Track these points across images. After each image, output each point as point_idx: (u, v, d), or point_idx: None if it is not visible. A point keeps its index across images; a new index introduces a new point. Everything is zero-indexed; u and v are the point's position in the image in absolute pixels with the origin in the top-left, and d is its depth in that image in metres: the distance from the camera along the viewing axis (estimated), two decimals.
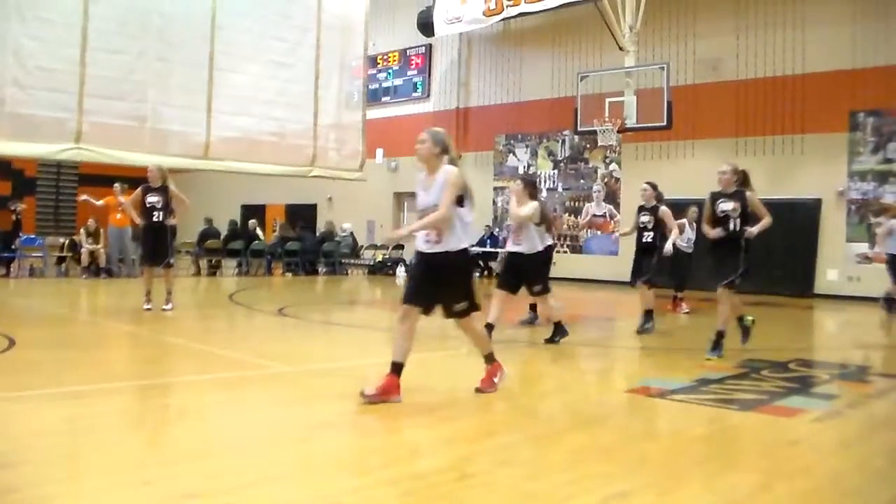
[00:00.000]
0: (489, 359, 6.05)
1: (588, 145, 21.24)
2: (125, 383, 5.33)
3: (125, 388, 5.33)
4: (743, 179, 8.08)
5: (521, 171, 22.86)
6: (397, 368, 5.56)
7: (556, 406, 6.00)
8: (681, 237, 12.76)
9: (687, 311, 13.16)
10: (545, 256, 9.21)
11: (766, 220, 8.02)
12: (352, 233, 23.25)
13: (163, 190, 10.89)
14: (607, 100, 17.44)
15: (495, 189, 23.40)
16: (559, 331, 9.12)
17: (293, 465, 4.12)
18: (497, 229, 22.89)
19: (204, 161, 15.49)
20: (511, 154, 23.23)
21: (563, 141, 22.07)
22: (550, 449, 4.56)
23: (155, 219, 10.79)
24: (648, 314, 10.38)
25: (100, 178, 20.72)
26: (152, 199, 10.82)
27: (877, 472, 4.42)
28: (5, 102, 12.90)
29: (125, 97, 14.07)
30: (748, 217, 7.97)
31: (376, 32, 22.77)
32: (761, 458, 4.49)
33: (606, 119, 17.20)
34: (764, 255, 17.61)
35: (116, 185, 15.90)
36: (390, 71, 26.40)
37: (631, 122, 17.05)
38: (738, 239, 7.93)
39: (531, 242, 8.82)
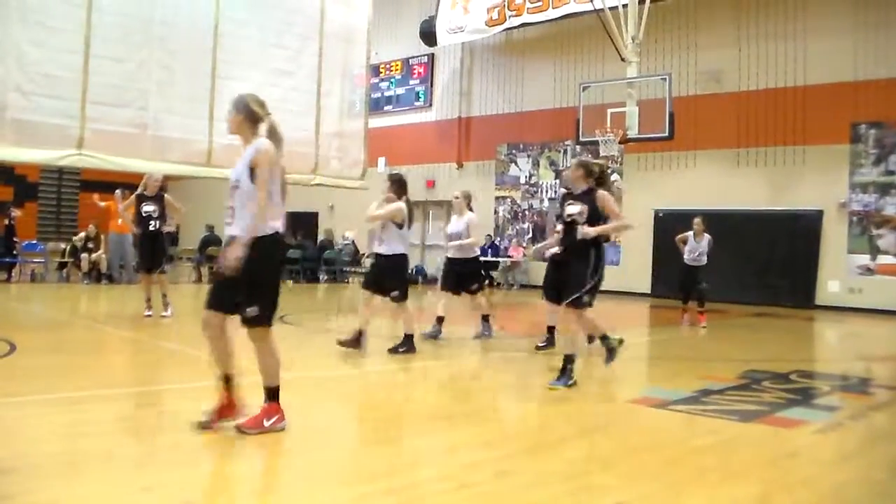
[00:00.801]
0: (271, 394, 4.90)
1: (590, 155, 21.20)
2: (124, 389, 5.32)
3: (124, 394, 5.32)
4: (599, 176, 7.06)
5: (522, 180, 22.88)
6: (271, 393, 4.86)
7: (555, 416, 5.98)
8: (688, 250, 12.64)
9: (703, 325, 12.53)
10: (403, 261, 8.58)
11: (618, 223, 7.09)
12: (353, 241, 23.26)
13: (158, 199, 11.00)
14: (609, 110, 17.45)
15: (497, 198, 23.40)
16: (406, 342, 8.40)
17: (292, 474, 4.11)
18: (498, 238, 22.88)
19: (206, 168, 15.46)
20: (513, 163, 23.25)
21: (565, 151, 22.08)
22: (550, 459, 4.55)
23: (151, 227, 10.93)
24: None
25: (101, 184, 20.68)
26: (148, 207, 10.94)
27: (878, 484, 4.40)
28: (8, 108, 12.90)
29: (127, 104, 14.07)
30: (601, 222, 6.88)
31: (379, 42, 22.79)
32: (762, 469, 4.47)
33: (608, 129, 17.20)
34: (765, 267, 17.72)
35: (118, 191, 15.91)
36: (393, 80, 26.45)
37: (633, 132, 17.06)
38: (586, 248, 6.84)
39: (390, 244, 8.35)
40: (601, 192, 6.91)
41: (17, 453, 4.20)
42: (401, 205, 8.32)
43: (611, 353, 7.58)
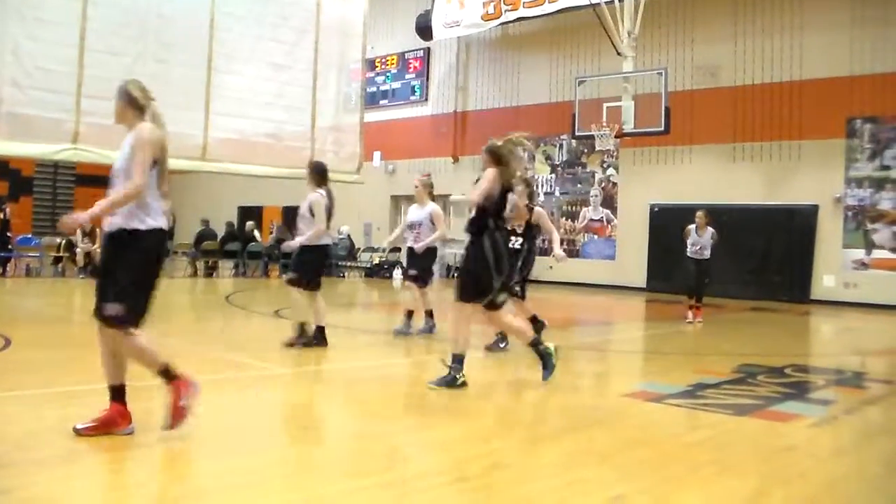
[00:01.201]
0: (166, 375, 4.46)
1: (586, 150, 21.26)
2: None
3: None
4: (504, 158, 6.61)
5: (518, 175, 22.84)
6: (117, 394, 4.46)
7: (551, 410, 5.99)
8: (690, 243, 12.33)
9: (698, 320, 12.34)
10: (316, 251, 8.27)
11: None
12: (349, 235, 23.25)
13: None
14: (605, 105, 17.46)
15: None
16: (306, 334, 8.10)
17: (288, 468, 4.11)
18: None
19: (201, 162, 15.43)
20: None
21: (561, 145, 22.08)
22: (545, 453, 4.55)
23: None
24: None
25: (97, 178, 20.62)
26: None
27: (873, 477, 4.42)
28: (3, 102, 12.85)
29: None
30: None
31: (375, 36, 22.75)
32: (757, 463, 4.48)
33: (604, 124, 17.21)
34: (761, 261, 17.76)
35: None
36: (388, 74, 26.41)
37: (629, 127, 17.06)
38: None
39: (305, 235, 8.14)
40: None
41: (15, 447, 4.20)
42: (315, 196, 8.19)
43: (543, 360, 6.64)
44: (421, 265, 9.47)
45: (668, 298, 17.31)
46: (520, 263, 7.97)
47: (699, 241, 12.28)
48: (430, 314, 9.52)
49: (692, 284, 12.46)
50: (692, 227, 12.37)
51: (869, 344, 11.66)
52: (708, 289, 13.05)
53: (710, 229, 12.30)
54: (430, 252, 9.52)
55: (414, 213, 9.60)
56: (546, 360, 6.57)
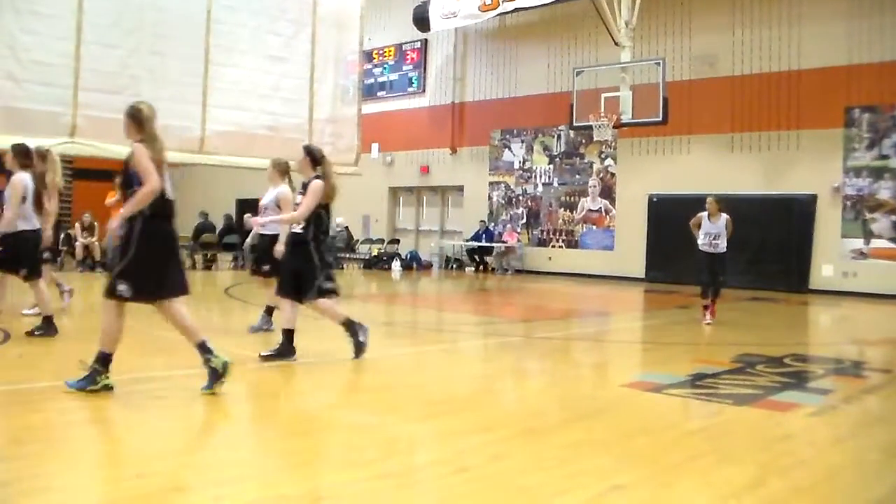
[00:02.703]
0: None
1: (584, 140, 21.23)
2: (119, 377, 5.31)
3: (119, 381, 5.31)
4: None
5: (516, 165, 22.86)
6: None
7: (550, 400, 5.99)
8: (702, 233, 11.07)
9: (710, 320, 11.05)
10: (17, 238, 7.60)
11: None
12: (346, 227, 23.24)
13: None
14: (603, 95, 17.43)
15: (491, 184, 23.37)
16: (45, 325, 7.68)
17: (287, 459, 4.11)
18: (492, 224, 22.88)
19: (199, 155, 15.44)
20: (507, 149, 23.20)
21: (559, 136, 22.05)
22: (545, 443, 4.56)
23: None
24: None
25: (94, 172, 20.60)
26: None
27: (871, 466, 4.43)
28: (0, 96, 12.86)
29: (120, 91, 14.00)
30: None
31: (372, 27, 22.70)
32: (756, 452, 4.49)
33: (602, 114, 17.17)
34: (759, 251, 17.74)
35: (118, 179, 15.91)
36: (386, 66, 26.35)
37: (626, 117, 17.03)
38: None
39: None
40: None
41: (13, 440, 4.20)
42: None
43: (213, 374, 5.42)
44: (272, 258, 7.94)
45: (667, 289, 17.34)
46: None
47: (713, 229, 11.01)
48: (269, 311, 8.67)
49: (706, 280, 11.08)
50: (703, 214, 11.15)
51: (867, 333, 11.67)
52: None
53: (724, 215, 11.11)
54: (272, 239, 8.13)
55: (266, 196, 8.72)
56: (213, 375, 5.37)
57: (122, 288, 5.11)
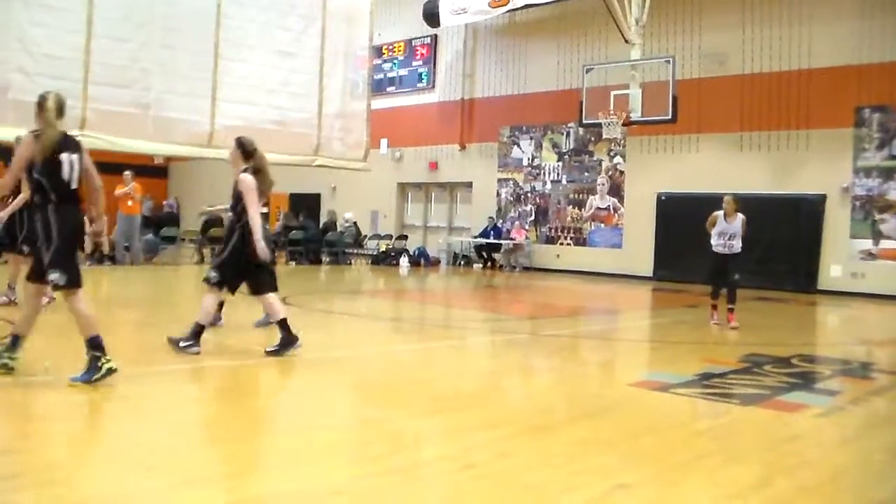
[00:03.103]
0: None
1: (593, 138, 21.18)
2: (127, 370, 5.34)
3: (127, 375, 5.33)
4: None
5: (525, 162, 22.83)
6: None
7: (557, 398, 6.00)
8: (717, 233, 10.69)
9: (733, 325, 10.58)
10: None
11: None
12: (355, 223, 23.27)
13: None
14: (612, 93, 17.38)
15: (500, 181, 23.35)
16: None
17: (295, 453, 4.12)
18: (500, 221, 22.87)
19: (208, 149, 15.46)
20: (515, 146, 23.18)
21: (568, 133, 22.02)
22: (552, 441, 4.57)
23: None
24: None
25: (104, 165, 20.62)
26: None
27: (878, 467, 4.43)
28: (10, 89, 12.87)
29: (130, 85, 14.05)
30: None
31: (382, 22, 22.69)
32: (763, 452, 4.49)
33: (611, 112, 17.13)
34: (768, 251, 17.69)
35: (127, 172, 15.99)
36: (395, 61, 26.34)
37: (636, 115, 16.99)
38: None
39: None
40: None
41: (21, 433, 4.23)
42: None
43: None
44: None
45: (675, 287, 17.30)
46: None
47: (728, 229, 10.62)
48: (220, 306, 8.23)
49: (718, 280, 10.85)
50: (719, 213, 10.73)
51: (875, 334, 11.63)
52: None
53: (741, 216, 10.71)
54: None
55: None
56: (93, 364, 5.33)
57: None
